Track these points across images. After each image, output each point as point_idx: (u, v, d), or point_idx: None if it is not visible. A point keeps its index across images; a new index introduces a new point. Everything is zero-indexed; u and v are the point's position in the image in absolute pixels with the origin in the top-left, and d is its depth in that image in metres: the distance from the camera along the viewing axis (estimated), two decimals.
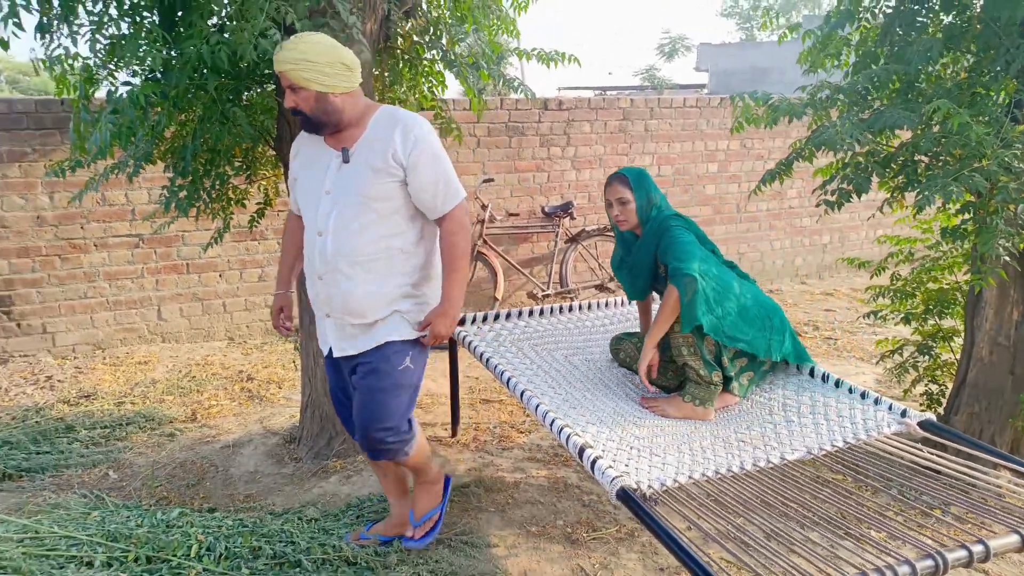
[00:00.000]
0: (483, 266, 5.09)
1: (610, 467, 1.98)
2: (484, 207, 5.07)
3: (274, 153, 3.03)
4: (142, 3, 2.15)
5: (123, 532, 2.29)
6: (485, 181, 5.19)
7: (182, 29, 2.23)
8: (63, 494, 2.74)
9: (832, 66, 3.09)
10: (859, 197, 2.65)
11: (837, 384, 2.54)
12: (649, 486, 1.91)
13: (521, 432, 3.44)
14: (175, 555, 2.22)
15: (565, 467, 3.09)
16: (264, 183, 3.28)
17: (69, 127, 2.46)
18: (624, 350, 2.82)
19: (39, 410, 3.61)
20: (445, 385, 4.12)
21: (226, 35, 2.12)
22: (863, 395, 2.44)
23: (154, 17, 2.28)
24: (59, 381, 4.03)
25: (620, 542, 2.53)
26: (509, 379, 2.62)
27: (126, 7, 2.21)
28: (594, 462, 2.02)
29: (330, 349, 2.18)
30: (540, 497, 2.83)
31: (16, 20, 2.24)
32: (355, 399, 2.16)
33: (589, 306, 3.48)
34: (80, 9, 2.33)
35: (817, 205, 2.82)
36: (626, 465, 2.04)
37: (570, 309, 3.43)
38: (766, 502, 1.90)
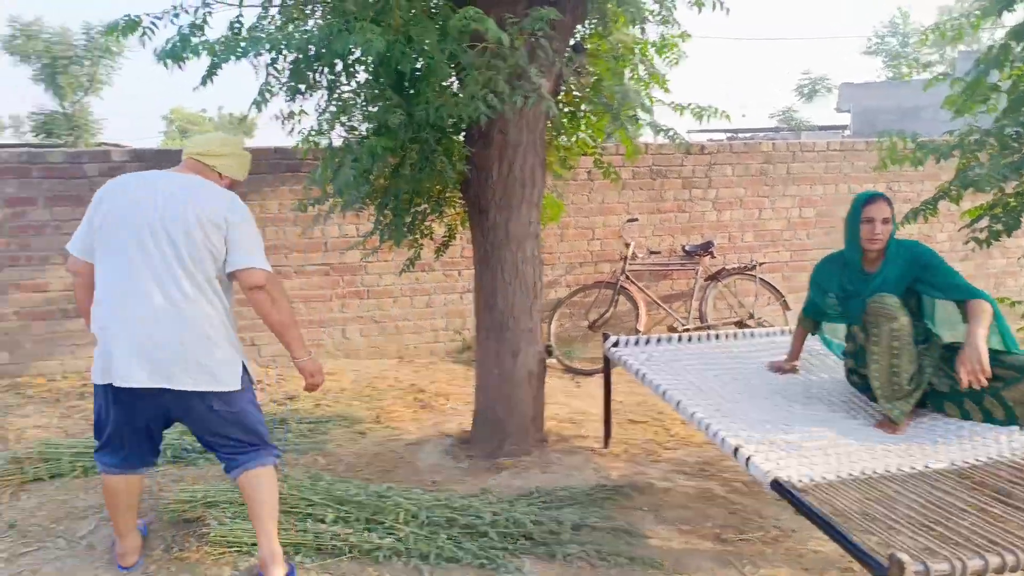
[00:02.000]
0: (626, 300, 5.45)
1: (764, 462, 2.27)
2: (627, 245, 5.45)
3: (462, 195, 3.57)
4: (381, 80, 2.74)
5: (346, 497, 2.83)
6: (629, 221, 5.58)
7: (412, 91, 2.81)
8: (288, 469, 3.34)
9: (979, 111, 3.24)
10: (1008, 235, 2.79)
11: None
12: (800, 480, 2.19)
13: (667, 449, 3.74)
14: (387, 519, 2.71)
15: (711, 480, 3.35)
16: (449, 220, 3.84)
17: (314, 171, 3.11)
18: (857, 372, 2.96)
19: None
20: (593, 404, 4.50)
21: (452, 97, 2.66)
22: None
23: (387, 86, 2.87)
24: (267, 385, 4.78)
25: (767, 544, 2.77)
26: (665, 391, 2.96)
27: (368, 80, 2.81)
28: (748, 459, 2.32)
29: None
30: (689, 503, 3.11)
31: (267, 92, 2.92)
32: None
33: (735, 335, 3.76)
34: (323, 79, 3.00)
35: (966, 243, 2.97)
36: (777, 464, 2.32)
37: (716, 336, 3.73)
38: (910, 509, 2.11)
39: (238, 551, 2.58)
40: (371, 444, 3.80)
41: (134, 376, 2.17)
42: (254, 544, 2.54)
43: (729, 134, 20.05)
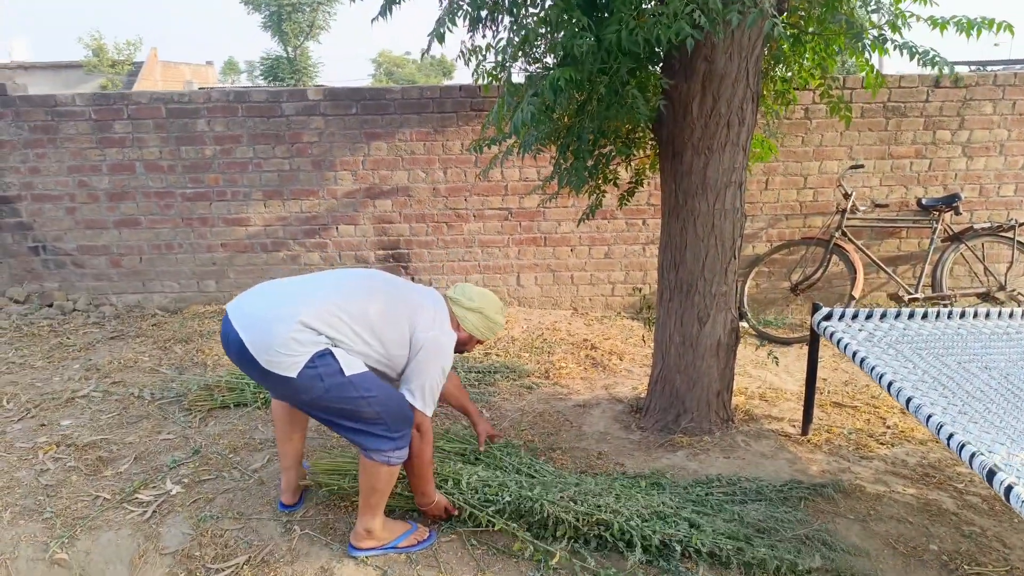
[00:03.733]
0: (839, 260, 4.70)
1: None
2: (847, 196, 4.67)
3: (653, 135, 3.14)
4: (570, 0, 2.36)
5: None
6: (853, 167, 4.77)
7: (606, 15, 2.42)
8: (450, 423, 3.23)
9: None
10: None
11: None
12: None
13: (881, 444, 3.14)
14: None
15: (939, 489, 2.74)
16: (637, 163, 3.42)
17: (492, 109, 2.84)
18: None
19: None
20: (789, 381, 3.94)
21: (650, 18, 2.23)
22: None
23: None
24: None
25: None
26: (891, 383, 2.40)
27: (556, 2, 2.44)
28: (1009, 489, 1.76)
29: None
30: (908, 516, 2.55)
31: (451, 22, 2.65)
32: None
33: (987, 314, 3.01)
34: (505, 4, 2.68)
35: None
36: None
37: (962, 315, 3.01)
38: None
39: (395, 506, 2.49)
40: (537, 401, 3.60)
41: None
42: (411, 498, 2.46)
43: (973, 67, 16.95)
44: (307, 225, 5.04)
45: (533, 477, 2.62)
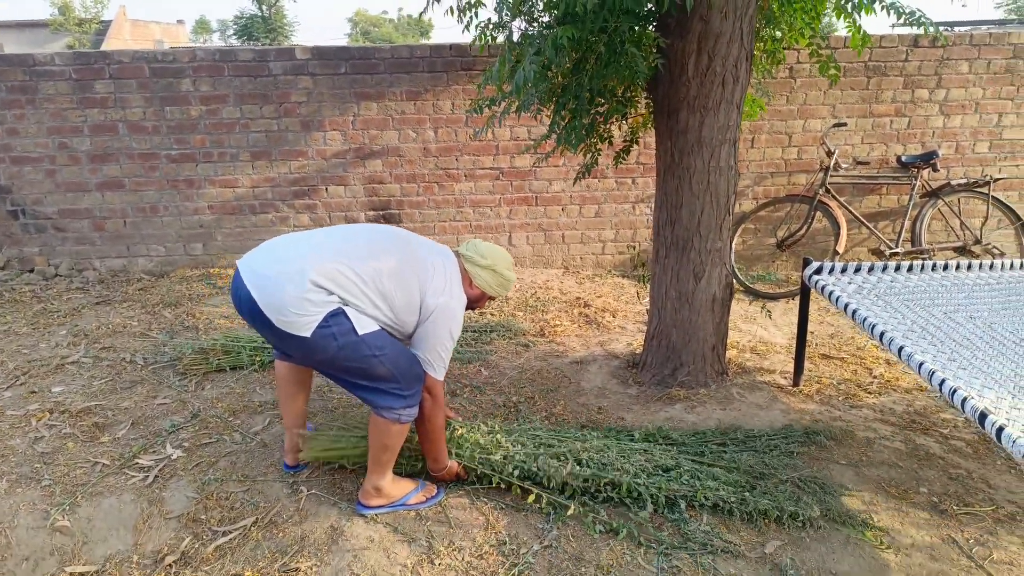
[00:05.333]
0: (823, 216, 4.80)
1: (1022, 437, 1.82)
2: (830, 154, 4.75)
3: (648, 94, 3.16)
4: None
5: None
6: (836, 126, 4.84)
7: None
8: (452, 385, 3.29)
9: None
10: None
11: None
12: None
13: (869, 393, 3.27)
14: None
15: (925, 435, 2.87)
16: (631, 122, 3.45)
17: (490, 69, 2.83)
18: None
19: None
20: (778, 335, 4.06)
21: None
22: None
23: None
24: None
25: (999, 523, 2.31)
26: (883, 333, 2.50)
27: None
28: (1000, 430, 1.87)
29: None
30: (898, 461, 2.68)
31: None
32: None
33: (968, 266, 3.13)
34: None
35: None
36: None
37: (945, 267, 3.12)
38: None
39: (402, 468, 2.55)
40: (534, 358, 3.67)
41: None
42: (418, 457, 2.51)
43: (943, 27, 17.08)
44: (296, 186, 5.00)
45: (541, 439, 2.67)
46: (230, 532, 2.27)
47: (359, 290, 2.15)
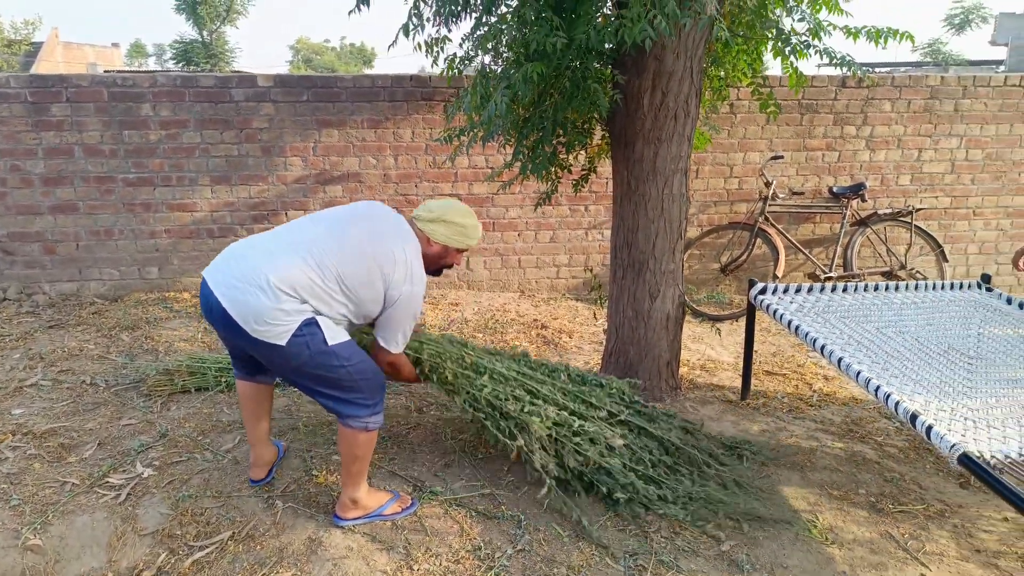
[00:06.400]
0: (763, 243, 5.11)
1: (948, 433, 2.04)
2: (768, 184, 5.08)
3: (605, 126, 3.37)
4: (542, 1, 2.55)
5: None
6: (773, 158, 5.18)
7: (574, 16, 2.62)
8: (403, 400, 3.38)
9: None
10: None
11: None
12: (992, 456, 1.95)
13: (810, 405, 3.51)
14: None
15: (862, 443, 3.11)
16: (590, 152, 3.66)
17: (461, 98, 2.99)
18: None
19: None
20: (724, 353, 4.29)
21: (616, 19, 2.45)
22: None
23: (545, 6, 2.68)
24: None
25: (930, 519, 2.54)
26: (823, 346, 2.73)
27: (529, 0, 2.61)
28: (929, 428, 2.09)
29: None
30: (838, 466, 2.90)
31: (416, 17, 2.80)
32: None
33: (896, 287, 3.42)
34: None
35: None
36: (962, 435, 2.08)
37: (875, 288, 3.41)
38: None
39: (375, 473, 2.63)
40: None
41: None
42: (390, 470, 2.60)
43: (864, 68, 18.23)
44: (255, 211, 5.03)
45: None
46: (207, 547, 2.30)
47: (323, 291, 2.19)
